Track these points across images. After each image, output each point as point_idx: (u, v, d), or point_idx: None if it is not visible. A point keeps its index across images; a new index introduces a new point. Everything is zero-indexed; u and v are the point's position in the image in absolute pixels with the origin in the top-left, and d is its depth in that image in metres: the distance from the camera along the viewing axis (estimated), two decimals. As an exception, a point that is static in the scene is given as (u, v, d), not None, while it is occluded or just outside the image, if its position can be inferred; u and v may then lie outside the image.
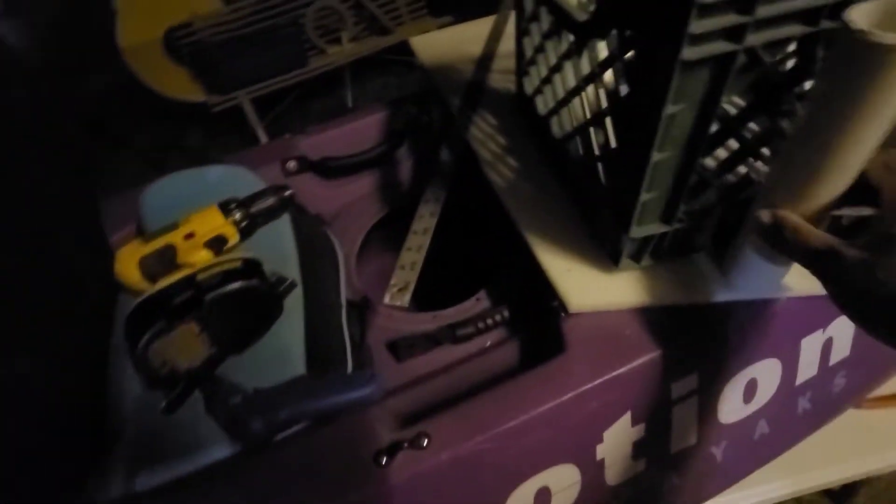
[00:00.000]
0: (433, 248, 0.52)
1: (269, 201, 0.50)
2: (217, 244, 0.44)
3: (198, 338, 0.37)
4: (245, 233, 0.47)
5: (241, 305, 0.39)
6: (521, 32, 0.48)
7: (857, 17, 0.20)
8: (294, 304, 0.45)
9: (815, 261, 0.26)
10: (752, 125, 0.35)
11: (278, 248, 0.49)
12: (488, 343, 0.46)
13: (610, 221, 0.37)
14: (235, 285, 0.38)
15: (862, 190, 0.26)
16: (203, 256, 0.43)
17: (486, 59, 0.68)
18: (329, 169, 0.62)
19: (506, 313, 0.46)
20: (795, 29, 0.25)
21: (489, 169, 0.52)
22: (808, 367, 0.40)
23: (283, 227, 0.50)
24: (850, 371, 0.42)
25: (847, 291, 0.25)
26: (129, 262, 0.43)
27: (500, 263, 0.52)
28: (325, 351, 0.44)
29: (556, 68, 0.41)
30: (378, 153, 0.63)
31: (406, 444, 0.32)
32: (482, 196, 0.52)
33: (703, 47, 0.25)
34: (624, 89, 0.32)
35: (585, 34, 0.34)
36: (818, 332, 0.39)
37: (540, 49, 0.44)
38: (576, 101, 0.40)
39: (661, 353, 0.36)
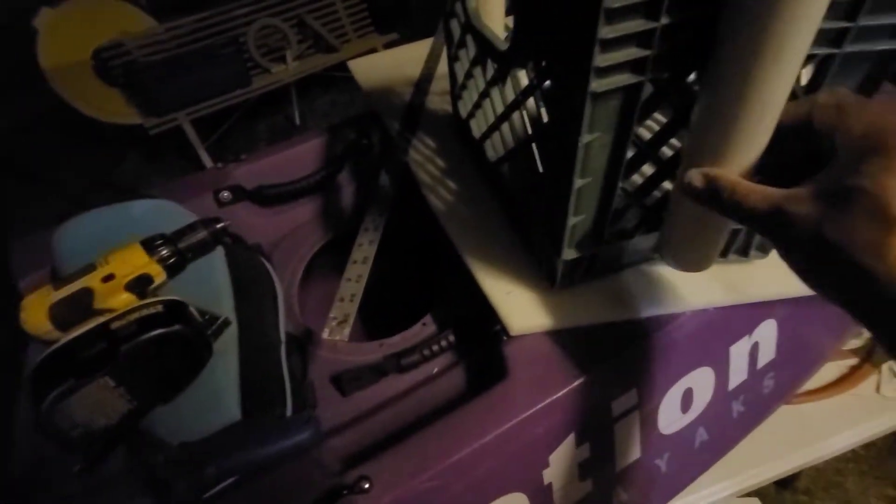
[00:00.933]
0: (378, 273, 0.51)
1: (200, 235, 0.47)
2: (140, 285, 0.41)
3: (114, 392, 0.34)
4: (173, 270, 0.44)
5: (163, 353, 0.36)
6: (452, 58, 0.48)
7: None
8: (228, 344, 0.43)
9: (759, 221, 0.24)
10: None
11: (210, 284, 0.47)
12: (435, 370, 0.46)
13: (543, 244, 0.38)
14: (154, 333, 0.35)
15: (807, 137, 0.24)
16: (124, 300, 0.39)
17: (424, 81, 0.68)
18: (266, 197, 0.60)
19: (451, 338, 0.46)
20: (692, 65, 0.26)
21: (429, 192, 0.51)
22: (738, 373, 0.42)
23: (216, 261, 0.48)
24: (778, 371, 0.44)
25: (796, 253, 0.24)
26: (37, 310, 0.39)
27: (445, 286, 0.52)
28: (263, 392, 0.41)
29: (485, 94, 0.41)
30: (317, 179, 0.61)
31: (346, 491, 0.30)
32: (424, 219, 0.52)
33: (610, 79, 0.25)
34: (546, 117, 0.33)
35: (506, 63, 0.34)
36: (745, 338, 0.41)
37: (469, 75, 0.44)
38: (505, 126, 0.40)
39: (601, 372, 0.37)
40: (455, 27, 0.44)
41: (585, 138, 0.28)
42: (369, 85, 0.69)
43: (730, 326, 0.40)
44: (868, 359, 0.68)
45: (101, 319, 0.36)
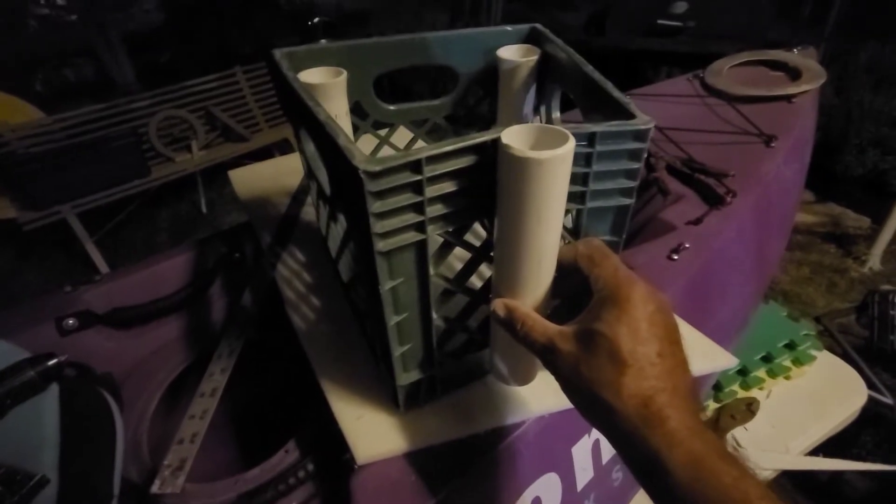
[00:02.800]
0: (242, 393, 0.49)
1: (25, 377, 0.43)
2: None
3: None
4: (-14, 422, 0.39)
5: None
6: (308, 184, 0.51)
7: (509, 139, 0.25)
8: (43, 505, 0.38)
9: (538, 352, 0.28)
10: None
11: (32, 434, 0.42)
12: (292, 504, 0.43)
13: (385, 369, 0.39)
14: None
15: (579, 277, 0.28)
16: None
17: (301, 193, 0.70)
18: (122, 320, 0.57)
19: (310, 467, 0.44)
20: (469, 215, 0.31)
21: (292, 310, 0.52)
22: (584, 472, 0.44)
23: (44, 406, 0.43)
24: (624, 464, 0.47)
25: (562, 381, 0.27)
26: None
27: (309, 408, 0.50)
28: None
29: (328, 224, 0.44)
30: (182, 297, 0.59)
31: None
32: (289, 337, 0.51)
33: (394, 239, 0.28)
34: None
35: (331, 206, 0.37)
36: (585, 438, 0.44)
37: (317, 204, 0.47)
38: (347, 254, 0.43)
39: (451, 493, 0.37)
40: (304, 160, 0.48)
41: (388, 284, 0.30)
42: (247, 195, 0.70)
43: (568, 429, 0.43)
44: (714, 427, 0.75)
45: None
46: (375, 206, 0.26)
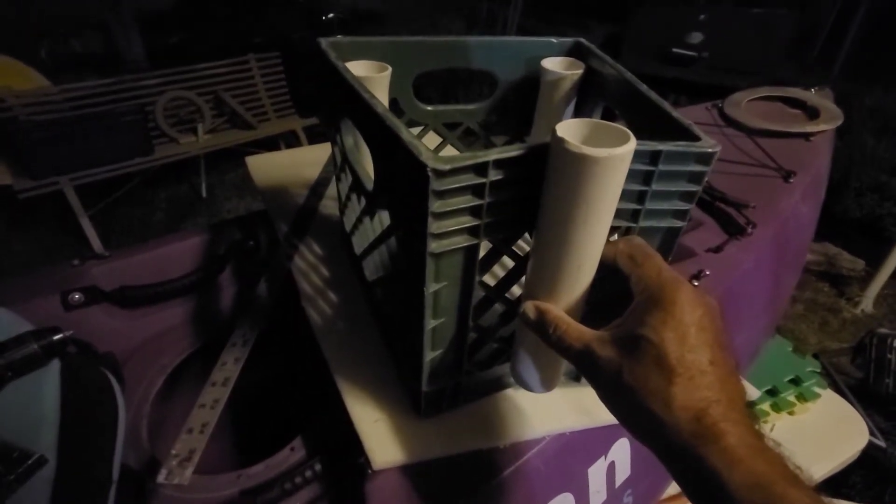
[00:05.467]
0: (250, 386, 0.47)
1: (27, 349, 0.41)
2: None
3: None
4: (-16, 394, 0.38)
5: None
6: (336, 177, 0.50)
7: (565, 133, 0.24)
8: (38, 487, 0.36)
9: (573, 357, 0.26)
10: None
11: (31, 411, 0.40)
12: (297, 505, 0.42)
13: (409, 373, 0.38)
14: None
15: (616, 275, 0.27)
16: None
17: (320, 185, 0.69)
18: (128, 299, 0.55)
19: (317, 467, 0.43)
20: (524, 226, 0.30)
21: (309, 304, 0.50)
22: (597, 494, 0.43)
23: (45, 382, 0.42)
24: (635, 487, 0.47)
25: (601, 390, 0.26)
26: None
27: (319, 407, 0.49)
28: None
29: (359, 220, 0.43)
30: (191, 281, 0.57)
31: None
32: (303, 332, 0.50)
33: (447, 241, 0.28)
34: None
35: (371, 202, 0.36)
36: (601, 459, 0.43)
37: (349, 197, 0.46)
38: (379, 251, 0.42)
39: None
40: (338, 152, 0.47)
41: (432, 287, 0.29)
42: (264, 183, 0.69)
43: (586, 449, 0.42)
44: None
45: None
46: (436, 206, 0.26)
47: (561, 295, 0.29)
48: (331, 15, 3.36)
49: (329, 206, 0.65)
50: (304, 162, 0.73)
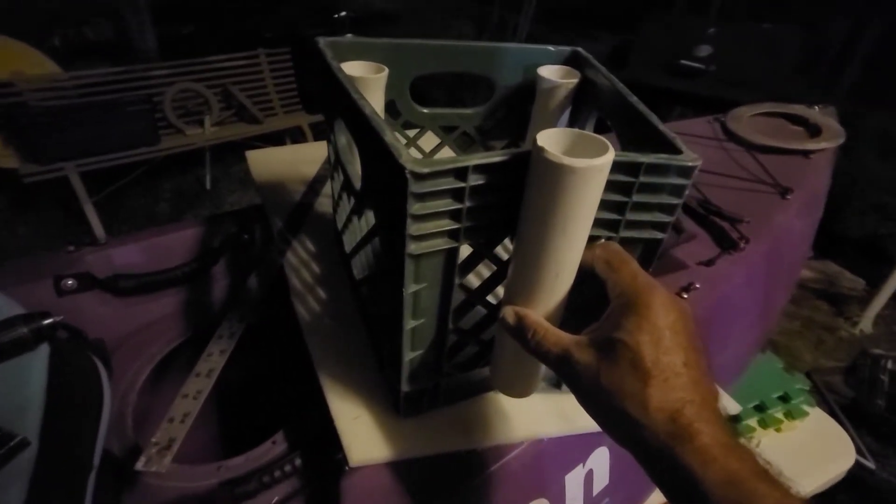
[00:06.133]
0: (235, 377, 0.48)
1: (16, 333, 0.42)
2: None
3: None
4: (-31, 376, 0.38)
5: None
6: (330, 175, 0.50)
7: (546, 143, 0.24)
8: (18, 470, 0.37)
9: (552, 361, 0.27)
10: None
11: (18, 393, 0.41)
12: (275, 499, 0.42)
13: (390, 372, 0.38)
14: None
15: (595, 280, 0.27)
16: None
17: (317, 182, 0.70)
18: (121, 287, 0.55)
19: (297, 462, 0.43)
20: (504, 231, 0.30)
21: (297, 300, 0.51)
22: (574, 501, 0.44)
23: (32, 365, 0.42)
24: (613, 496, 0.47)
25: (579, 393, 0.26)
26: None
27: (303, 401, 0.49)
28: (50, 535, 0.35)
29: (349, 219, 0.43)
30: (185, 272, 0.58)
31: None
32: (291, 326, 0.50)
33: (427, 243, 0.28)
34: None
35: (359, 201, 0.37)
36: (579, 467, 0.44)
37: (341, 196, 0.46)
38: (363, 252, 0.42)
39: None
40: (332, 151, 0.47)
41: (411, 288, 0.30)
42: (262, 178, 0.70)
43: (565, 455, 0.43)
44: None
45: None
46: (415, 208, 0.26)
47: (539, 301, 0.30)
48: (343, 13, 3.38)
49: (325, 203, 0.66)
50: (304, 159, 0.74)
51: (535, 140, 0.25)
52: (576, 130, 0.26)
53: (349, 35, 0.48)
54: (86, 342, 0.51)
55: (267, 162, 0.73)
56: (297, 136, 2.44)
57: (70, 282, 0.53)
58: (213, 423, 0.53)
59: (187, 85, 2.16)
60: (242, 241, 0.63)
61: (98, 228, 1.93)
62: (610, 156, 0.25)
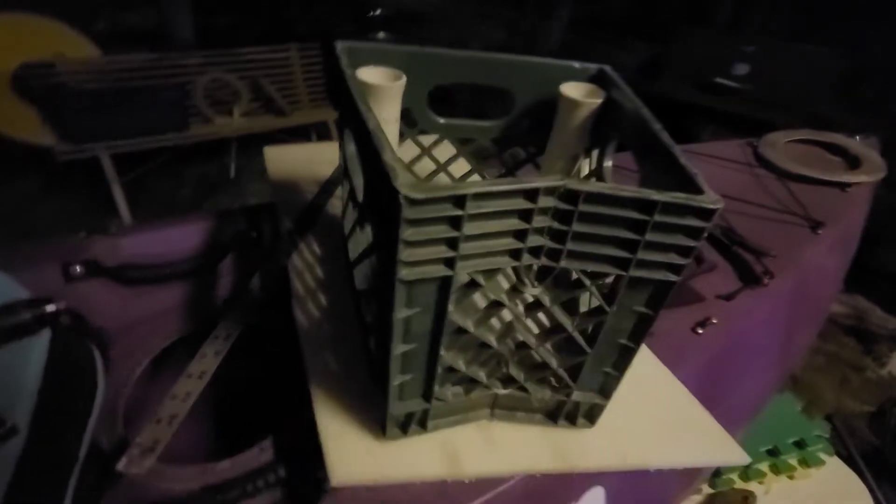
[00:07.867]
0: (227, 381, 0.47)
1: (19, 317, 0.42)
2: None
3: None
4: (-31, 358, 0.39)
5: None
6: (341, 181, 0.50)
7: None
8: (6, 455, 0.37)
9: None
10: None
11: (13, 379, 0.41)
12: (255, 509, 0.41)
13: (380, 392, 0.37)
14: None
15: None
16: None
17: (331, 184, 0.69)
18: (127, 277, 0.56)
19: (281, 472, 0.42)
20: (504, 260, 0.29)
21: (298, 306, 0.50)
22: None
23: (31, 351, 0.42)
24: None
25: None
26: None
27: (294, 409, 0.48)
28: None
29: (354, 228, 0.42)
30: (192, 266, 0.58)
31: None
32: (289, 331, 0.49)
33: (420, 270, 0.27)
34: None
35: (361, 213, 0.36)
36: (571, 506, 0.41)
37: (347, 203, 0.45)
38: (366, 263, 0.41)
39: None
40: (342, 157, 0.46)
41: (402, 313, 0.29)
42: (277, 175, 0.69)
43: (557, 494, 0.41)
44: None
45: None
46: (408, 234, 0.25)
47: None
48: (377, 11, 3.40)
49: (337, 206, 0.65)
50: (321, 159, 0.73)
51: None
52: None
53: (381, 33, 0.46)
54: (88, 329, 0.51)
55: (284, 159, 0.73)
56: (323, 131, 2.46)
57: (78, 268, 0.53)
58: (202, 422, 0.52)
59: (219, 75, 2.20)
60: (251, 238, 0.62)
61: (124, 210, 1.98)
62: None
